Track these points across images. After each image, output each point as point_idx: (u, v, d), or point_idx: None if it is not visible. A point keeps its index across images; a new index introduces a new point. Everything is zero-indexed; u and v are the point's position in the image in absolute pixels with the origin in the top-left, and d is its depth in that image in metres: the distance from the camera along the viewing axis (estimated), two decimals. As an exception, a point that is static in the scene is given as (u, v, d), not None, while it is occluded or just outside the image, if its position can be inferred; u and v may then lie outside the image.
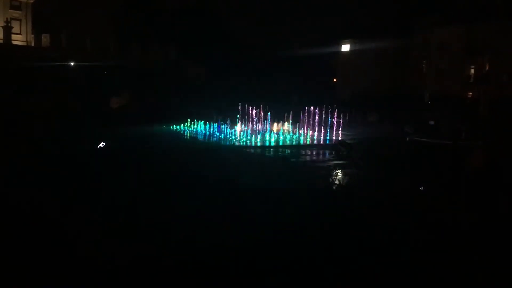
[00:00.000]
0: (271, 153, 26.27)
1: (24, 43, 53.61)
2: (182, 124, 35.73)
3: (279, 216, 11.60)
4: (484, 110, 48.10)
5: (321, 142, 30.50)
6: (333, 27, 69.19)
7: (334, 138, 31.40)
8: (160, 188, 14.12)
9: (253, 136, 30.38)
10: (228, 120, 32.66)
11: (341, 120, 34.61)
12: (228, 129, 32.05)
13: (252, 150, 26.60)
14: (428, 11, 58.87)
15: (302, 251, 9.34)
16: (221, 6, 71.45)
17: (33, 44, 53.72)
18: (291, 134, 32.48)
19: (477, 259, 9.32)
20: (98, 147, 21.95)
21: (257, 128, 33.24)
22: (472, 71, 55.42)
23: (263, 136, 30.61)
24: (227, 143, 29.02)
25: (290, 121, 35.18)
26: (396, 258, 9.16)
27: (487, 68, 53.44)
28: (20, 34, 53.66)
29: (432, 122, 38.17)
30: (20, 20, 53.68)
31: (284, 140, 30.24)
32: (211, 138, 30.86)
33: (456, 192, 14.92)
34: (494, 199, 14.04)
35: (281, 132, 32.93)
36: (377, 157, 23.74)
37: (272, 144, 28.81)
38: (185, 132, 33.86)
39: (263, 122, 33.99)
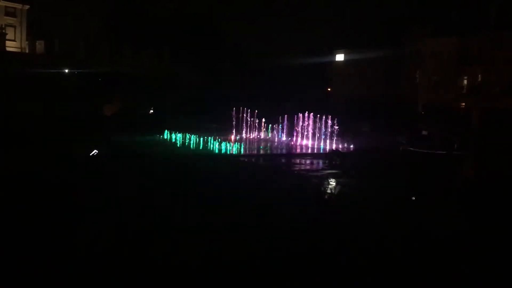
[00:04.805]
0: (267, 161, 26.52)
1: (18, 50, 53.52)
2: (175, 134, 35.16)
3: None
4: (476, 121, 48.36)
5: (315, 151, 30.55)
6: (326, 37, 69.65)
7: (327, 147, 31.47)
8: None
9: (248, 144, 30.35)
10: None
11: (334, 130, 34.67)
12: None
13: (246, 159, 26.57)
14: (421, 21, 59.28)
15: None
16: (216, 14, 71.60)
17: (27, 51, 53.66)
18: (284, 142, 32.55)
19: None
20: (91, 154, 21.83)
21: (251, 137, 33.24)
22: (465, 82, 55.78)
23: (257, 144, 30.65)
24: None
25: (284, 130, 35.24)
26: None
27: (479, 79, 53.81)
28: (14, 40, 53.57)
29: (425, 133, 38.29)
30: (14, 26, 53.59)
31: (277, 149, 30.34)
32: (202, 147, 30.33)
33: (447, 201, 14.99)
34: (483, 207, 14.17)
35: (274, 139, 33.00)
36: (370, 167, 23.76)
37: (267, 152, 28.92)
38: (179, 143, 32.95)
39: (256, 131, 33.97)
